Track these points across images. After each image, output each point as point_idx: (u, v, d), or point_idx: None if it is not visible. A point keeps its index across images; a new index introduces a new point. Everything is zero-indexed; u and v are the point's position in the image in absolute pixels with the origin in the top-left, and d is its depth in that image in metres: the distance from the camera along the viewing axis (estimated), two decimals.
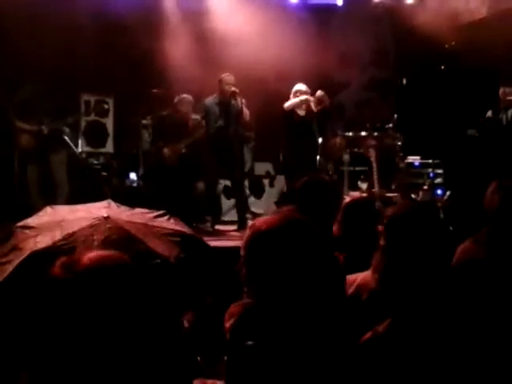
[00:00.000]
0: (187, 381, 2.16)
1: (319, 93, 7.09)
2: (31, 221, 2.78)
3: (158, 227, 2.77)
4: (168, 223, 2.88)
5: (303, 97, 7.05)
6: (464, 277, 2.67)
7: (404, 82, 10.03)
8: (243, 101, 7.01)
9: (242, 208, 7.18)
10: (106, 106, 8.33)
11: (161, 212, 2.98)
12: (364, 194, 7.72)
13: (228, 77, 6.97)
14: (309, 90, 7.22)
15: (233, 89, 6.82)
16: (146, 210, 3.00)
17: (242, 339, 1.80)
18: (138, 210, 2.96)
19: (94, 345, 1.56)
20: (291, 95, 7.25)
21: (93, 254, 1.65)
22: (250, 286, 1.88)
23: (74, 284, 1.57)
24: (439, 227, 2.20)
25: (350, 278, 2.64)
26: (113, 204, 2.88)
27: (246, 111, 7.10)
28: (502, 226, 2.98)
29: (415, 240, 2.04)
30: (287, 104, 7.10)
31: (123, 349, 1.59)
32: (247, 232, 1.96)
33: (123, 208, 2.92)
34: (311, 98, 7.06)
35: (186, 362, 2.23)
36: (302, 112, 7.19)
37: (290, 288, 1.82)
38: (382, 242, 2.26)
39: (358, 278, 2.60)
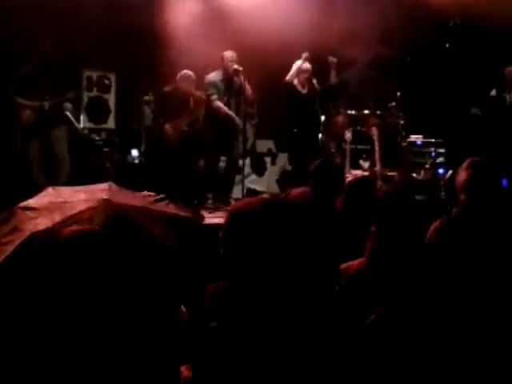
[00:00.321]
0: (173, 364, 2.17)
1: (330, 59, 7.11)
2: (32, 201, 2.80)
3: (157, 211, 2.79)
4: (167, 207, 2.89)
5: (298, 62, 7.06)
6: (436, 255, 2.66)
7: (408, 59, 9.95)
8: (245, 78, 6.98)
9: (227, 188, 7.18)
10: (107, 82, 8.28)
11: (161, 196, 2.99)
12: (366, 173, 7.72)
13: (230, 53, 6.93)
14: (308, 66, 7.21)
15: (235, 66, 6.80)
16: (147, 193, 3.02)
17: (209, 320, 1.80)
18: (139, 193, 2.99)
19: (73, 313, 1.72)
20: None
21: (74, 228, 1.86)
22: (225, 266, 1.90)
23: (56, 252, 1.75)
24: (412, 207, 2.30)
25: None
26: (114, 186, 2.89)
27: (248, 88, 7.07)
28: (469, 203, 2.99)
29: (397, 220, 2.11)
30: (288, 77, 7.11)
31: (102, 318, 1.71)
32: (226, 214, 1.99)
33: (124, 191, 2.93)
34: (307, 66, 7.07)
35: (176, 347, 2.24)
36: (303, 90, 7.16)
37: (263, 270, 1.82)
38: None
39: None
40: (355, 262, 2.62)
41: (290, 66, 7.62)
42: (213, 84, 6.94)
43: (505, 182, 7.17)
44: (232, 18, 8.55)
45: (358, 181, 3.97)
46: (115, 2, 8.17)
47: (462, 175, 3.09)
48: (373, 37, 9.71)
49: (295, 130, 7.21)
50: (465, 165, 3.12)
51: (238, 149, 7.04)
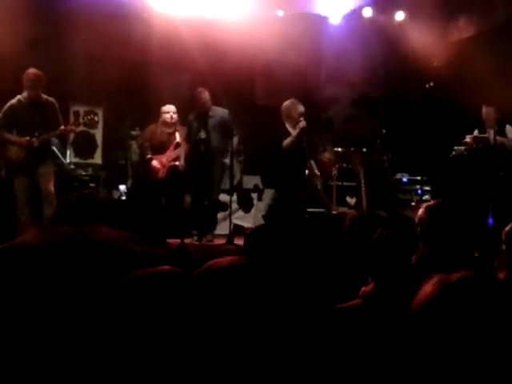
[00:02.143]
0: None
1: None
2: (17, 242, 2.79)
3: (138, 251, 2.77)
4: (151, 248, 2.87)
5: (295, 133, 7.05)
6: None
7: (392, 99, 10.10)
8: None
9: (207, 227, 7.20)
10: (95, 117, 8.29)
11: (144, 237, 2.97)
12: (352, 210, 7.76)
13: (201, 92, 7.05)
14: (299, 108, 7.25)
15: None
16: (130, 234, 2.99)
17: None
18: (123, 233, 2.96)
19: None
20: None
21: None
22: None
23: None
24: None
25: None
26: (104, 228, 2.87)
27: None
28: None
29: None
30: (286, 143, 7.01)
31: None
32: None
33: (114, 232, 2.91)
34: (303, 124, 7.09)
35: None
36: (294, 132, 7.19)
37: None
38: None
39: None
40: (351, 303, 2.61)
41: (275, 102, 7.67)
42: (189, 123, 7.08)
43: (490, 221, 7.24)
44: (219, 55, 8.67)
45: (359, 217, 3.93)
46: (102, 38, 8.23)
47: (419, 221, 3.14)
48: (358, 76, 9.89)
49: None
50: (421, 210, 3.16)
51: (219, 186, 7.09)
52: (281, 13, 9.39)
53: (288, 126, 7.17)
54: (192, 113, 7.16)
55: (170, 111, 7.38)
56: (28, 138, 6.29)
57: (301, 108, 6.92)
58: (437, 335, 1.92)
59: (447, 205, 3.27)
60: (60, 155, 7.28)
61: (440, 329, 1.93)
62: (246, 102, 9.07)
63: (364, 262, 3.27)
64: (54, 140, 6.98)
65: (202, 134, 6.98)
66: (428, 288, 1.99)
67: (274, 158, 7.13)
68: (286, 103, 7.01)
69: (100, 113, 8.45)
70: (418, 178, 8.60)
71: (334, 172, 8.02)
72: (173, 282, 1.90)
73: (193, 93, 7.09)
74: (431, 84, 9.10)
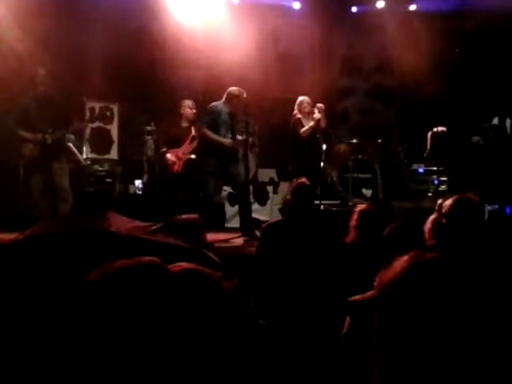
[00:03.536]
0: None
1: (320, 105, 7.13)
2: (28, 233, 2.79)
3: (153, 241, 2.78)
4: (167, 238, 2.88)
5: (316, 116, 7.06)
6: None
7: (407, 89, 10.02)
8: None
9: (246, 214, 7.12)
10: (110, 113, 8.33)
11: (160, 225, 2.98)
12: (367, 201, 7.73)
13: (238, 91, 6.87)
14: (309, 101, 7.24)
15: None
16: (147, 224, 3.00)
17: None
18: (139, 223, 2.96)
19: None
20: (296, 108, 7.25)
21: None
22: None
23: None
24: None
25: None
26: (113, 215, 2.88)
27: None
28: None
29: None
30: (303, 130, 7.09)
31: None
32: None
33: (124, 219, 2.92)
34: (318, 116, 7.08)
35: None
36: (308, 122, 7.18)
37: None
38: None
39: None
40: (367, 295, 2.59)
41: (290, 95, 7.65)
42: (217, 112, 6.87)
43: (508, 210, 7.18)
44: (231, 48, 8.65)
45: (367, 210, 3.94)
46: (117, 34, 8.27)
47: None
48: (373, 66, 9.83)
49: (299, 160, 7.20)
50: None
51: (241, 176, 7.00)
52: (297, 5, 9.36)
53: (303, 120, 7.19)
54: (220, 103, 6.99)
55: (192, 106, 7.38)
56: (41, 135, 6.34)
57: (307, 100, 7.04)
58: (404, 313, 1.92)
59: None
60: (76, 151, 7.33)
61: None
62: (260, 95, 9.04)
63: (375, 254, 3.27)
64: (71, 136, 7.02)
65: (222, 130, 6.89)
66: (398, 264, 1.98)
67: (291, 150, 7.15)
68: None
69: (115, 108, 8.48)
70: (434, 168, 8.53)
71: (350, 164, 7.99)
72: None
73: (231, 92, 6.89)
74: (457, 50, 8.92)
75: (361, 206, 4.05)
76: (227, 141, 6.72)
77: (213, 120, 6.79)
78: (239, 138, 6.76)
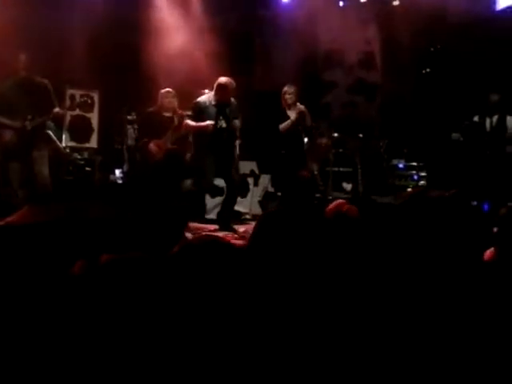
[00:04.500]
0: None
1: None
2: (10, 220, 2.79)
3: None
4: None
5: (293, 117, 7.07)
6: None
7: (390, 84, 10.08)
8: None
9: (230, 209, 7.11)
10: (88, 101, 8.24)
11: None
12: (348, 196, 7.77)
13: (229, 80, 6.85)
14: (293, 89, 7.24)
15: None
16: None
17: None
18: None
19: None
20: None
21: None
22: None
23: None
24: None
25: None
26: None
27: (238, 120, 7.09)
28: None
29: None
30: (282, 126, 7.11)
31: None
32: None
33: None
34: (301, 108, 7.12)
35: None
36: (292, 115, 7.20)
37: None
38: None
39: None
40: None
41: (272, 87, 7.63)
42: (203, 107, 6.86)
43: (486, 207, 7.26)
44: (215, 40, 8.62)
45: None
46: (99, 21, 8.17)
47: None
48: (356, 60, 9.86)
49: (283, 152, 7.21)
50: None
51: (234, 170, 7.03)
52: None
53: (288, 111, 7.21)
54: (207, 97, 6.98)
55: (168, 96, 7.35)
56: (21, 121, 6.24)
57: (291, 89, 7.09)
58: None
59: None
60: (55, 139, 7.24)
61: None
62: (244, 87, 9.02)
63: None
64: (50, 124, 6.92)
65: (223, 123, 6.87)
66: None
67: (273, 144, 7.16)
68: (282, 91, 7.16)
69: (96, 96, 8.40)
70: (414, 163, 8.60)
71: (331, 157, 8.01)
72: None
73: (219, 82, 6.88)
74: (427, 70, 9.10)
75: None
76: (208, 124, 6.67)
77: (198, 115, 6.79)
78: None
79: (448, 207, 3.14)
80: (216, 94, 6.75)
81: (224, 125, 6.80)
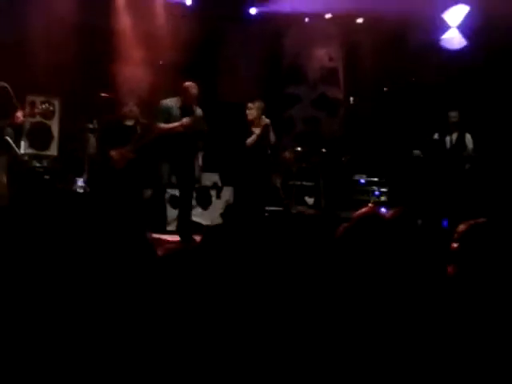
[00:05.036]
0: None
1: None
2: None
3: None
4: None
5: (258, 132, 7.07)
6: None
7: (351, 100, 10.20)
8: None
9: (186, 219, 7.06)
10: (50, 108, 8.08)
11: None
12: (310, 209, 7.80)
13: (193, 84, 6.85)
14: (254, 105, 7.26)
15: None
16: None
17: None
18: None
19: None
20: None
21: None
22: None
23: None
24: None
25: None
26: None
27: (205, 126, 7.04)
28: None
29: None
30: (249, 141, 7.10)
31: None
32: None
33: None
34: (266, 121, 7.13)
35: None
36: (257, 130, 7.20)
37: None
38: None
39: None
40: None
41: (238, 100, 7.61)
42: (168, 109, 6.83)
43: (445, 223, 7.38)
44: (177, 49, 8.60)
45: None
46: (60, 27, 8.05)
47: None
48: (319, 76, 9.95)
49: (247, 165, 7.20)
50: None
51: (191, 179, 6.97)
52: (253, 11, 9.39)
53: (252, 127, 7.21)
54: (173, 100, 6.94)
55: (129, 104, 7.29)
56: None
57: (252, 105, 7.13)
58: None
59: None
60: (14, 146, 7.07)
61: None
62: (207, 98, 9.00)
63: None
64: (8, 130, 6.76)
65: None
66: None
67: (237, 156, 7.13)
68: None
69: (57, 103, 8.25)
70: (376, 179, 8.70)
71: (294, 171, 8.04)
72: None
73: (180, 85, 6.87)
74: (386, 89, 9.25)
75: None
76: (184, 120, 6.64)
77: (164, 116, 6.78)
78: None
79: (394, 227, 3.19)
80: (180, 97, 6.75)
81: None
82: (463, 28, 8.43)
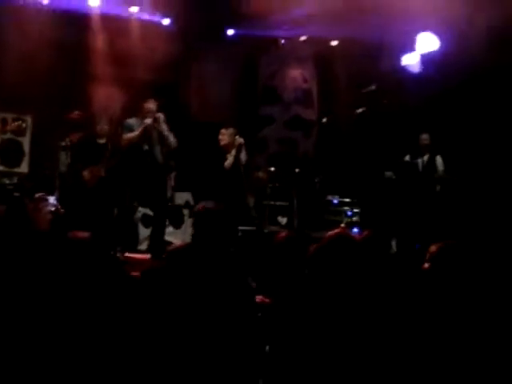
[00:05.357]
0: None
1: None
2: None
3: None
4: None
5: (233, 152, 7.08)
6: None
7: (324, 120, 10.27)
8: (168, 126, 6.93)
9: (159, 238, 6.99)
10: (23, 125, 8.00)
11: None
12: (283, 229, 7.79)
13: (150, 104, 6.86)
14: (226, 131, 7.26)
15: (156, 116, 6.74)
16: None
17: None
18: None
19: None
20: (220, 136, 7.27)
21: None
22: None
23: None
24: None
25: None
26: None
27: (170, 136, 6.98)
28: None
29: None
30: (227, 163, 7.10)
31: None
32: None
33: None
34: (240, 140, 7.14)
35: None
36: (233, 152, 7.19)
37: None
38: None
39: None
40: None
41: (209, 119, 7.59)
42: (131, 126, 6.83)
43: (417, 246, 7.43)
44: (151, 67, 8.60)
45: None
46: (33, 44, 8.00)
47: None
48: (293, 97, 10.03)
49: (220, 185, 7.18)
50: None
51: (163, 199, 6.92)
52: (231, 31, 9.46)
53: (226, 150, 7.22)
54: (134, 119, 6.94)
55: (100, 122, 7.29)
56: None
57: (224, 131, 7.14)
58: None
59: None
60: None
61: None
62: (180, 117, 8.99)
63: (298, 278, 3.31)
64: None
65: (145, 146, 6.81)
66: None
67: (212, 178, 7.11)
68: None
69: (29, 120, 8.17)
70: (348, 199, 8.75)
71: (268, 191, 8.04)
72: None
73: (138, 102, 6.89)
74: (360, 110, 9.34)
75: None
76: (146, 120, 6.63)
77: (127, 132, 6.80)
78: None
79: (364, 249, 3.23)
80: (140, 114, 6.75)
81: (146, 147, 6.76)
82: (428, 55, 8.58)
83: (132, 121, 6.93)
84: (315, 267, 2.80)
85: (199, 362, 2.09)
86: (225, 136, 7.19)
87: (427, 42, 8.49)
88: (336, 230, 3.26)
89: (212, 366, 2.14)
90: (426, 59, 8.45)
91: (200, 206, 4.19)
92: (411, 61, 8.57)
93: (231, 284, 3.85)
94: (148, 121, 6.68)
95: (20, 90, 8.02)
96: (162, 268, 2.35)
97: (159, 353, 1.97)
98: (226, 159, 7.16)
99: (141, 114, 6.86)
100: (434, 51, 8.37)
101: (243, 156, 7.25)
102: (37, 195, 5.87)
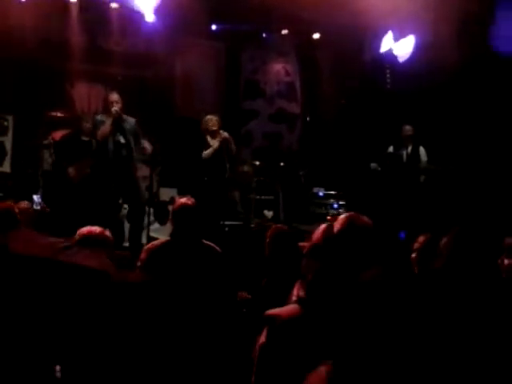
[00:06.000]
0: None
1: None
2: None
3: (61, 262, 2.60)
4: (76, 256, 2.71)
5: (216, 145, 7.04)
6: None
7: (308, 114, 10.30)
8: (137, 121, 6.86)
9: (137, 235, 6.96)
10: (5, 124, 7.92)
11: (69, 243, 2.81)
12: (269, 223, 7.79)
13: (114, 96, 6.76)
14: (215, 118, 7.23)
15: (115, 108, 6.61)
16: (55, 240, 2.82)
17: None
18: (48, 239, 2.80)
19: None
20: (202, 126, 7.24)
21: None
22: None
23: None
24: None
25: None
26: (21, 232, 2.70)
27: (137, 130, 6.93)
28: None
29: None
30: (205, 154, 7.08)
31: None
32: None
33: (33, 236, 2.75)
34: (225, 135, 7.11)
35: None
36: (215, 143, 7.17)
37: None
38: None
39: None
40: (284, 310, 2.56)
41: (194, 114, 7.57)
42: (100, 122, 6.69)
43: (402, 235, 7.47)
44: (133, 63, 8.54)
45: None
46: (14, 42, 7.90)
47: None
48: (277, 90, 10.03)
49: (206, 179, 7.16)
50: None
51: (140, 194, 6.87)
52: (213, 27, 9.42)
53: (208, 138, 7.19)
54: (101, 114, 6.88)
55: (85, 119, 7.26)
56: None
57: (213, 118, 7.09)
58: None
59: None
60: None
61: None
62: (165, 113, 8.95)
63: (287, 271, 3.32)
64: None
65: (121, 139, 6.73)
66: None
67: (194, 169, 7.09)
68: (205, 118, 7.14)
69: (10, 119, 8.09)
70: (333, 192, 8.77)
71: (253, 185, 8.04)
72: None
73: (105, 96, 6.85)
74: (343, 101, 9.37)
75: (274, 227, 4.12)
76: (112, 109, 6.55)
77: (96, 128, 6.72)
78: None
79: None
80: (107, 107, 6.69)
81: (122, 140, 6.68)
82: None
83: (100, 116, 6.85)
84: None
85: (184, 358, 2.07)
86: (214, 121, 7.15)
87: (404, 38, 8.54)
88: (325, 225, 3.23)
89: (196, 362, 2.13)
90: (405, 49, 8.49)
91: (177, 202, 4.19)
92: (394, 49, 8.59)
93: (212, 281, 3.85)
94: (114, 109, 6.57)
95: (1, 88, 7.95)
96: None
97: (141, 349, 1.96)
98: (207, 146, 7.12)
99: (107, 107, 6.76)
100: (412, 44, 8.42)
101: (233, 148, 7.23)
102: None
